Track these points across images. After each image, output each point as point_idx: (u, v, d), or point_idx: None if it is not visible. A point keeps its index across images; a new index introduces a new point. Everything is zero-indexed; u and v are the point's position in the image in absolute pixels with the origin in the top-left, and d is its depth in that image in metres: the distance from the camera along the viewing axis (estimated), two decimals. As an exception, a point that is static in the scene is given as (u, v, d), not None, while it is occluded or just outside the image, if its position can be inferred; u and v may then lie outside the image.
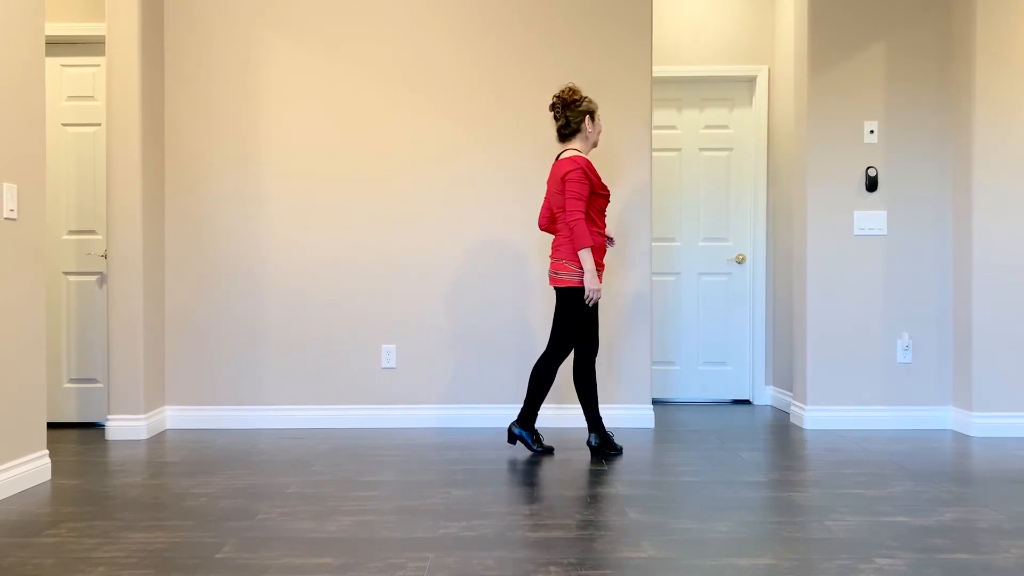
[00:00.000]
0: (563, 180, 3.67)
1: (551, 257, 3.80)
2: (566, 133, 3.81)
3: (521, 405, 4.48)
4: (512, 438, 3.85)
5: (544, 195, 4.02)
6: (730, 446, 4.02)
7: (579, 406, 4.50)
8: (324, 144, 4.49)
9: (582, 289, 3.72)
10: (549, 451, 3.84)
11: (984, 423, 4.26)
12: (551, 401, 4.51)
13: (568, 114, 3.77)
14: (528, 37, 4.49)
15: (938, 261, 4.47)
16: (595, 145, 3.88)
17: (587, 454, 3.83)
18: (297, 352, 4.50)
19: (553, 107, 3.82)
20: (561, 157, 3.78)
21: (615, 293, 4.49)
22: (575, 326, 3.76)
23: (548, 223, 3.92)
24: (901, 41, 4.46)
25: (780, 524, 2.75)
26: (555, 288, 3.81)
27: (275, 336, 4.50)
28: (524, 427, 3.83)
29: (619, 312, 4.50)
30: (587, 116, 3.79)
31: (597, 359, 4.50)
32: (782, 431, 4.42)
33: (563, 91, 3.79)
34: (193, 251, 4.49)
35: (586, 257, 3.64)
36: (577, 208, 3.63)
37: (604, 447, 3.81)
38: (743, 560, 2.40)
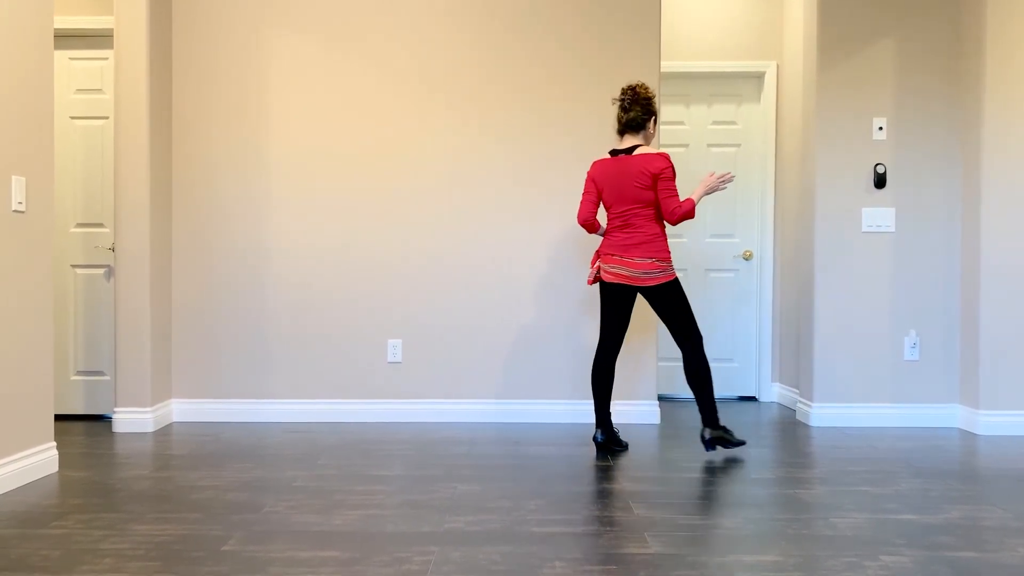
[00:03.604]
0: (655, 176, 3.60)
1: (636, 257, 3.66)
2: (633, 126, 3.73)
3: (531, 401, 4.49)
4: (712, 444, 3.71)
5: (585, 188, 3.83)
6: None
7: (587, 402, 4.49)
8: (332, 140, 4.49)
9: (677, 280, 3.69)
10: (742, 443, 3.76)
11: (991, 421, 4.24)
12: (564, 397, 4.51)
13: (639, 108, 3.71)
14: (538, 32, 4.48)
15: (946, 258, 4.45)
16: None
17: (592, 449, 3.82)
18: (303, 346, 4.50)
19: (624, 97, 3.74)
20: (638, 152, 3.67)
21: (621, 289, 4.49)
22: (690, 310, 3.71)
23: (595, 217, 3.81)
24: (910, 37, 4.43)
25: (786, 521, 2.75)
26: (654, 287, 3.68)
27: (281, 330, 4.50)
28: (715, 426, 3.72)
29: (625, 308, 4.49)
30: (654, 116, 3.76)
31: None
32: (788, 428, 4.41)
33: (637, 85, 3.74)
34: (200, 244, 4.50)
35: (695, 202, 3.63)
36: (676, 205, 3.59)
37: (610, 443, 3.81)
38: (749, 557, 2.40)
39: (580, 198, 4.49)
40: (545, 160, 4.49)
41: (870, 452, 3.81)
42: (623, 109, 3.76)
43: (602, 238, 4.02)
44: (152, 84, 4.24)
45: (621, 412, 4.49)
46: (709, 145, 5.36)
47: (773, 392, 5.33)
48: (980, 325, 4.26)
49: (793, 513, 2.84)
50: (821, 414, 4.47)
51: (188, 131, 4.49)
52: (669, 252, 3.69)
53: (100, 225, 4.54)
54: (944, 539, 2.57)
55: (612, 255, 3.74)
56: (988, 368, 4.26)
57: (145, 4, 4.16)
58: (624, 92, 3.76)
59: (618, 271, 3.71)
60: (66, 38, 4.52)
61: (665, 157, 3.63)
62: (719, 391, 5.39)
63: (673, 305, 3.70)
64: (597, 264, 3.84)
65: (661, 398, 5.38)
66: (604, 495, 3.05)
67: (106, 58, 4.53)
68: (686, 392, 5.39)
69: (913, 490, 3.15)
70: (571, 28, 4.48)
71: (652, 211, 3.69)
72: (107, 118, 4.53)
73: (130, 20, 4.16)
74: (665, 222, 3.70)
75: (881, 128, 4.44)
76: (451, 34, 4.49)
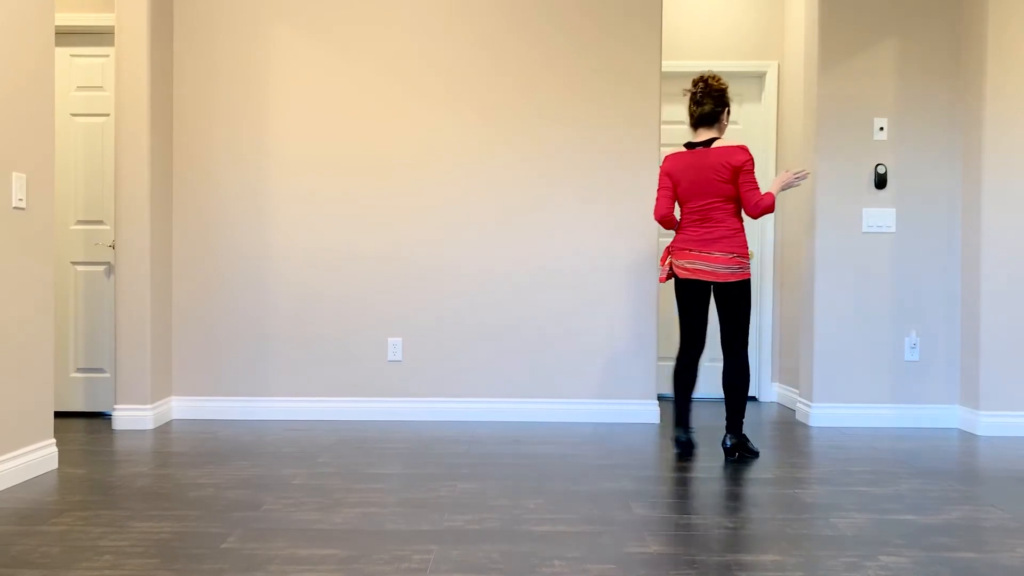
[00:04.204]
0: (736, 169, 3.56)
1: (717, 252, 3.61)
2: (706, 120, 3.67)
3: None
4: (734, 451, 3.68)
5: (660, 183, 3.74)
6: (735, 442, 4.01)
7: (580, 401, 4.49)
8: (333, 138, 4.49)
9: (750, 280, 3.67)
10: (757, 453, 3.72)
11: (991, 422, 4.24)
12: (565, 396, 4.50)
13: (711, 101, 3.65)
14: (544, 30, 4.48)
15: (947, 259, 4.45)
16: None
17: (593, 448, 3.82)
18: (303, 344, 4.50)
19: (696, 90, 3.67)
20: (716, 145, 3.62)
21: (621, 288, 4.49)
22: (749, 314, 3.68)
23: (672, 212, 3.74)
24: (912, 38, 4.43)
25: (786, 521, 2.74)
26: (730, 284, 3.63)
27: (282, 328, 4.50)
28: (738, 433, 3.69)
29: (626, 308, 4.49)
30: (727, 108, 3.69)
31: (601, 353, 4.49)
32: (788, 428, 4.41)
33: (710, 78, 3.66)
34: (201, 242, 4.49)
35: (774, 196, 3.59)
36: (759, 198, 3.55)
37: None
38: (748, 556, 2.40)
39: (594, 196, 4.48)
40: (547, 158, 4.49)
41: (870, 452, 3.81)
42: (695, 103, 3.68)
43: (675, 233, 3.86)
44: (153, 81, 4.24)
45: (621, 411, 4.49)
46: (710, 145, 5.36)
47: (773, 392, 5.33)
48: (980, 326, 4.26)
49: (793, 513, 2.84)
50: (821, 414, 4.47)
51: (189, 128, 4.49)
52: (748, 248, 3.63)
53: (100, 222, 4.54)
54: (943, 540, 2.57)
55: (690, 250, 3.66)
56: (988, 369, 4.26)
57: (146, 1, 4.16)
58: (696, 84, 3.68)
59: (697, 266, 3.64)
60: (67, 35, 4.51)
61: (745, 150, 3.59)
62: (718, 391, 5.39)
63: (740, 304, 3.65)
64: (669, 260, 3.76)
65: (661, 398, 5.38)
66: (603, 494, 3.05)
67: (107, 55, 4.52)
68: (686, 392, 5.39)
69: (913, 490, 3.15)
70: (575, 26, 4.47)
71: (732, 205, 3.63)
72: (108, 115, 4.52)
73: (131, 17, 4.16)
74: (745, 216, 3.64)
75: (882, 128, 4.43)
76: (456, 32, 4.49)
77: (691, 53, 5.27)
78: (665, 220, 3.73)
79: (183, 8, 4.47)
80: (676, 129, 5.36)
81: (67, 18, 4.45)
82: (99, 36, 4.53)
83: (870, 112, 4.44)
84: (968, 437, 4.19)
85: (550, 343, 4.50)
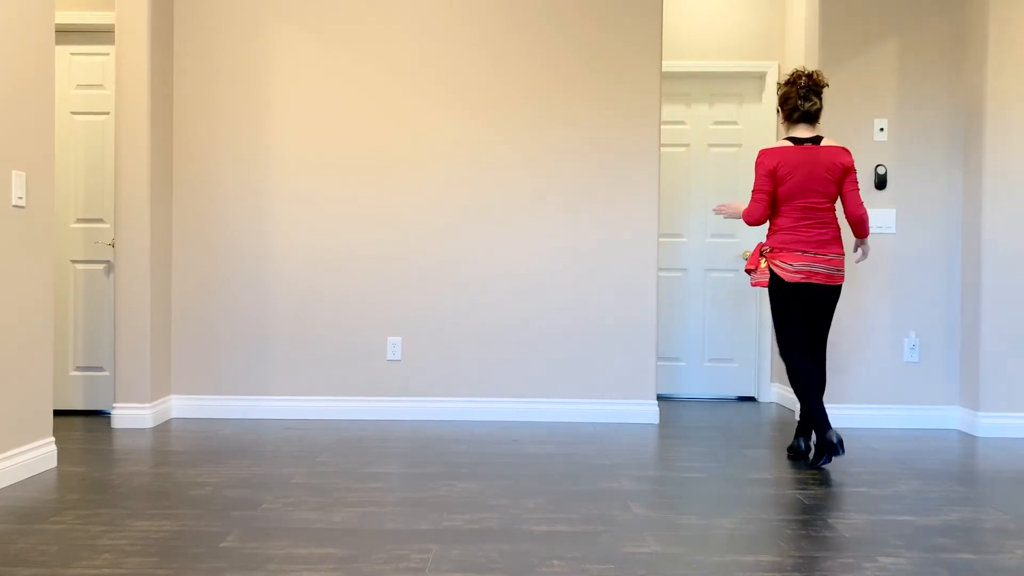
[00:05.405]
0: (846, 170, 3.51)
1: (831, 253, 3.52)
2: (811, 116, 3.59)
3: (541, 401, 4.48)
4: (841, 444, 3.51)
5: (759, 184, 3.57)
6: (734, 443, 4.02)
7: (579, 401, 4.49)
8: (333, 137, 4.49)
9: None
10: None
11: (990, 423, 4.24)
12: (565, 396, 4.50)
13: (816, 98, 3.58)
14: (544, 31, 4.48)
15: (947, 260, 4.45)
16: None
17: (591, 448, 3.82)
18: (303, 343, 4.50)
19: (801, 86, 3.58)
20: (825, 143, 3.55)
21: (621, 288, 4.49)
22: None
23: (768, 214, 3.62)
24: (912, 39, 4.43)
25: (784, 521, 2.75)
26: (838, 286, 3.58)
27: (281, 327, 4.50)
28: (804, 434, 3.69)
29: (625, 307, 4.49)
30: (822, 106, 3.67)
31: (600, 353, 4.49)
32: (787, 428, 4.41)
33: (814, 73, 3.58)
34: (200, 240, 4.49)
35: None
36: (862, 201, 3.57)
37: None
38: (747, 557, 2.40)
39: (594, 196, 4.48)
40: (547, 158, 4.49)
41: (869, 453, 3.81)
42: (801, 98, 3.57)
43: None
44: (153, 80, 4.24)
45: (620, 411, 4.49)
46: (710, 145, 5.36)
47: (772, 392, 5.33)
48: (980, 327, 4.26)
49: (791, 513, 2.84)
50: (820, 415, 4.47)
51: (189, 127, 4.49)
52: None
53: (100, 221, 4.54)
54: (942, 541, 2.57)
55: (804, 252, 3.51)
56: (988, 370, 4.26)
57: (146, 0, 4.16)
58: (799, 79, 3.59)
59: (813, 269, 3.50)
60: (67, 33, 4.51)
61: (849, 152, 3.60)
62: (718, 391, 5.39)
63: (833, 307, 3.63)
64: (766, 263, 3.59)
65: (660, 398, 5.38)
66: (603, 494, 3.05)
67: (107, 53, 4.52)
68: (686, 392, 5.39)
69: (911, 492, 3.15)
70: (575, 26, 4.47)
71: (834, 205, 3.61)
72: (108, 114, 4.52)
73: (131, 15, 4.16)
74: (851, 217, 3.57)
75: (882, 129, 4.44)
76: (455, 32, 4.48)
77: (691, 53, 5.27)
78: (761, 222, 3.63)
79: (183, 7, 4.47)
80: (676, 129, 5.36)
81: (67, 16, 4.45)
82: (99, 35, 4.52)
83: (870, 113, 4.44)
84: (967, 438, 4.19)
85: (549, 343, 4.50)
